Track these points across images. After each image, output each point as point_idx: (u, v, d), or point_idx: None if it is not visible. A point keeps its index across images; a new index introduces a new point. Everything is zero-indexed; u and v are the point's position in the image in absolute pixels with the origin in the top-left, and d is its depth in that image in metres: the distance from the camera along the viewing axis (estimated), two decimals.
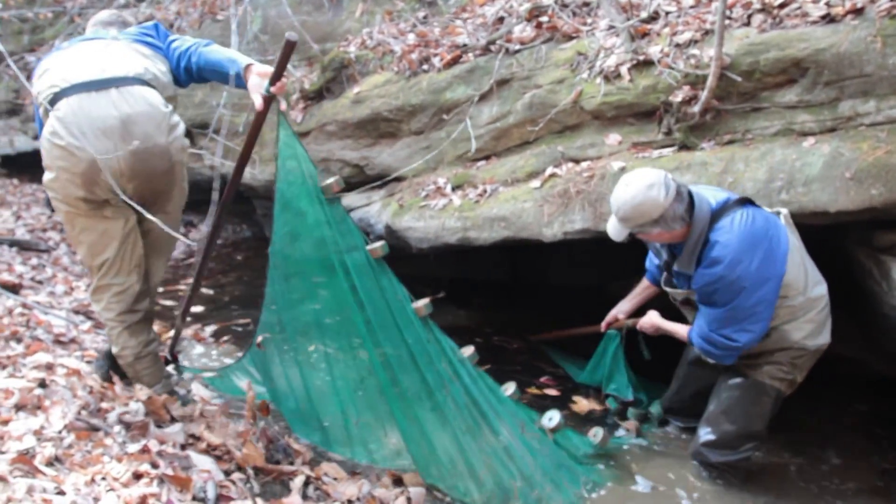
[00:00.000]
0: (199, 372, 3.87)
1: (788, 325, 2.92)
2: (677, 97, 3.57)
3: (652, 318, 3.42)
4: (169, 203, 2.91)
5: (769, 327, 2.90)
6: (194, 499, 2.35)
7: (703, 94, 3.46)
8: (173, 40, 3.03)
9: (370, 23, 5.58)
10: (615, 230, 3.01)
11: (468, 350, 3.06)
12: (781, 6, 3.50)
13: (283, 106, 2.72)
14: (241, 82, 2.82)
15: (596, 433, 3.35)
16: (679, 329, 3.25)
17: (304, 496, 2.75)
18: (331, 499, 2.78)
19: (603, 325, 3.81)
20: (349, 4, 5.88)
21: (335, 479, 2.95)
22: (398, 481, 3.01)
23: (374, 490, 2.84)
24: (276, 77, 2.61)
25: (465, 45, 4.62)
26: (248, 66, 2.81)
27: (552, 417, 3.23)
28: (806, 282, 2.91)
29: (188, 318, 4.78)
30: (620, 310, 3.73)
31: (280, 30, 5.80)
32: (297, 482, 2.80)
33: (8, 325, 3.74)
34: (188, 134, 2.96)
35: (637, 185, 2.83)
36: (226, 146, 5.62)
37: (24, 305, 4.32)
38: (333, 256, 2.87)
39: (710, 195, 2.95)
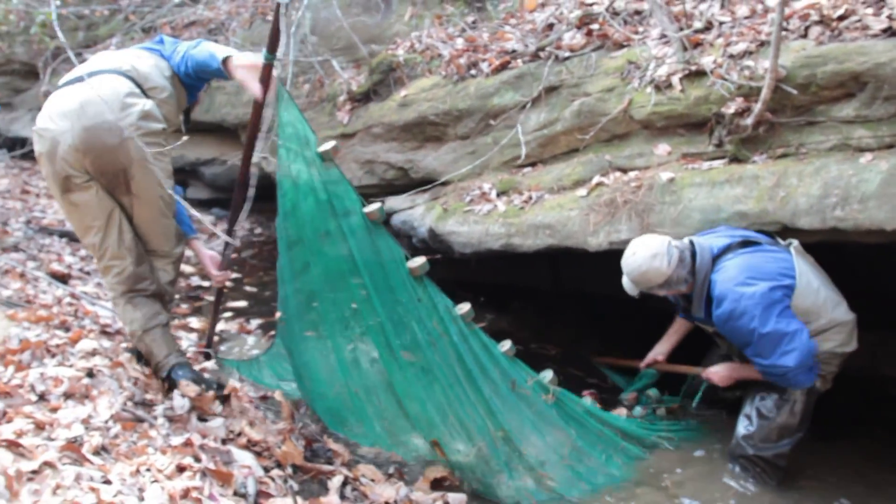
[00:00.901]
0: (236, 365, 3.90)
1: (816, 338, 3.06)
2: (730, 109, 3.51)
3: (727, 371, 3.43)
4: (133, 183, 3.01)
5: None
6: (235, 494, 2.38)
7: (757, 107, 3.39)
8: (176, 49, 3.18)
9: (419, 26, 5.60)
10: (629, 287, 3.35)
11: (464, 307, 3.11)
12: (841, 18, 3.42)
13: (276, 72, 2.87)
14: (222, 73, 3.02)
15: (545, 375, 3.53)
16: (747, 371, 3.32)
17: (342, 496, 2.76)
18: (368, 500, 2.79)
19: (643, 363, 3.96)
20: (398, 7, 5.90)
21: (372, 480, 2.96)
22: (436, 484, 3.01)
23: (412, 494, 2.84)
24: (272, 42, 2.76)
25: (513, 51, 4.61)
26: (226, 60, 2.98)
27: (545, 375, 3.29)
28: (825, 305, 3.08)
29: (230, 314, 4.85)
30: (659, 351, 3.90)
31: (329, 31, 5.85)
32: (335, 482, 2.82)
33: (57, 315, 3.82)
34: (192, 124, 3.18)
35: (642, 255, 3.16)
36: (270, 144, 5.67)
37: (73, 295, 4.41)
38: (330, 221, 2.94)
39: (714, 242, 3.20)
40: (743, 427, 3.28)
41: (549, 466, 3.16)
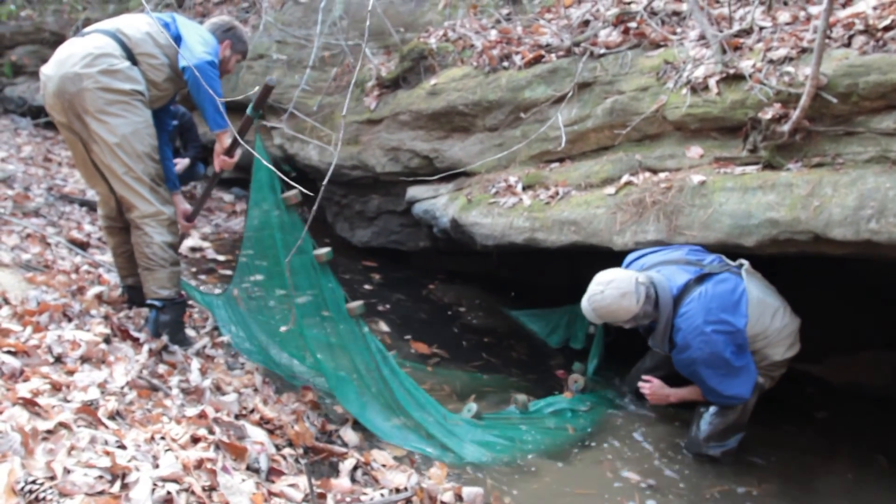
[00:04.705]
0: (195, 291, 4.09)
1: (768, 350, 3.33)
2: (767, 114, 3.45)
3: (664, 393, 3.58)
4: (90, 129, 3.25)
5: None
6: (248, 468, 2.35)
7: (795, 114, 3.33)
8: (184, 41, 3.36)
9: (452, 16, 5.55)
10: (591, 317, 3.36)
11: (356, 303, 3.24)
12: (886, 29, 3.35)
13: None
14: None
15: (470, 408, 3.57)
16: (687, 394, 3.49)
17: (353, 479, 2.73)
18: (379, 485, 2.75)
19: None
20: None
21: (384, 465, 2.92)
22: (449, 476, 2.98)
23: (423, 482, 2.80)
24: (258, 103, 3.30)
25: (548, 45, 4.56)
26: (219, 134, 3.45)
27: (471, 409, 3.52)
28: (773, 321, 3.30)
29: None
30: None
31: (361, 15, 5.82)
32: (347, 465, 2.79)
33: (76, 281, 3.81)
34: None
35: (612, 294, 3.23)
36: (294, 126, 5.66)
37: (91, 263, 4.40)
38: (281, 255, 3.22)
39: (674, 277, 3.30)
40: (695, 429, 3.44)
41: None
